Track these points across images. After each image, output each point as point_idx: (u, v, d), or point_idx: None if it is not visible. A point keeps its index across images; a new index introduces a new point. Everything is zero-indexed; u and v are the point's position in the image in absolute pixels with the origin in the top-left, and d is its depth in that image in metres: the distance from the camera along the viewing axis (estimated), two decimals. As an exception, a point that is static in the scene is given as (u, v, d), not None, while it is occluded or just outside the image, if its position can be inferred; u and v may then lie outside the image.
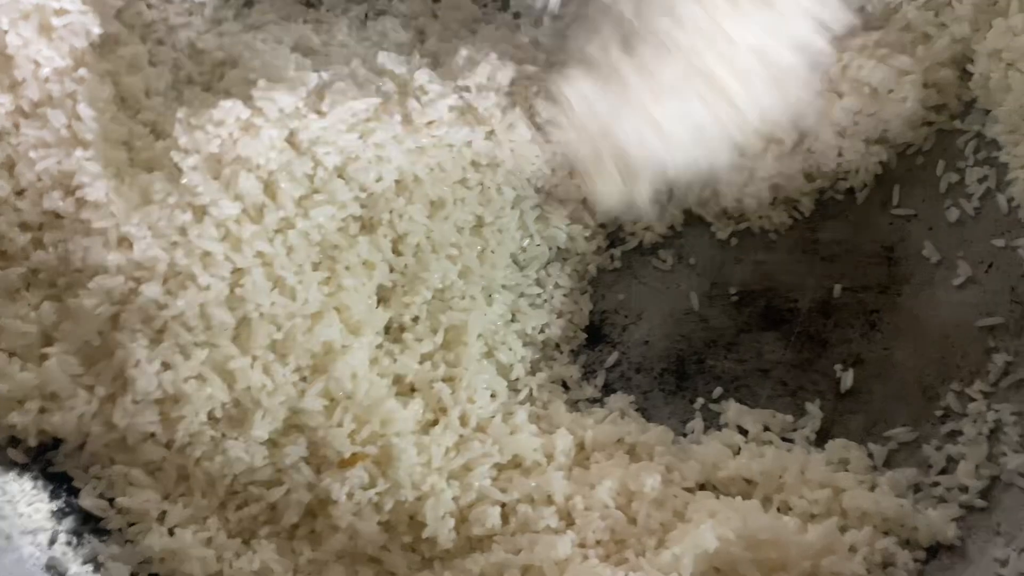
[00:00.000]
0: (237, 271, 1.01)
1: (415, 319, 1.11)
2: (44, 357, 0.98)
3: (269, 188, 1.04)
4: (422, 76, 1.11)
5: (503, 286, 1.17)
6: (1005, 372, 1.01)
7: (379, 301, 1.10)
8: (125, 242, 0.98)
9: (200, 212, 1.00)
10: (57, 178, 1.00)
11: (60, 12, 1.04)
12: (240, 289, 1.00)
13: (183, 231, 0.99)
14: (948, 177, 1.16)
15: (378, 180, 1.08)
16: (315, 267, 1.05)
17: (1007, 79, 1.10)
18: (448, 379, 1.08)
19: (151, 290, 0.97)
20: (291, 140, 1.05)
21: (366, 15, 1.30)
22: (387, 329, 1.11)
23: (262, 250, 1.01)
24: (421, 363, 1.09)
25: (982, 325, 1.05)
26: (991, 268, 1.07)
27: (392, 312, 1.10)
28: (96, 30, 1.07)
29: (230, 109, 1.03)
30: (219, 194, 1.01)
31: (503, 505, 1.00)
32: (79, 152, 1.00)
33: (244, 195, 1.02)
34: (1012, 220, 1.08)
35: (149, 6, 1.17)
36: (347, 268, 1.07)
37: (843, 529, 0.95)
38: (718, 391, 1.15)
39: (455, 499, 0.99)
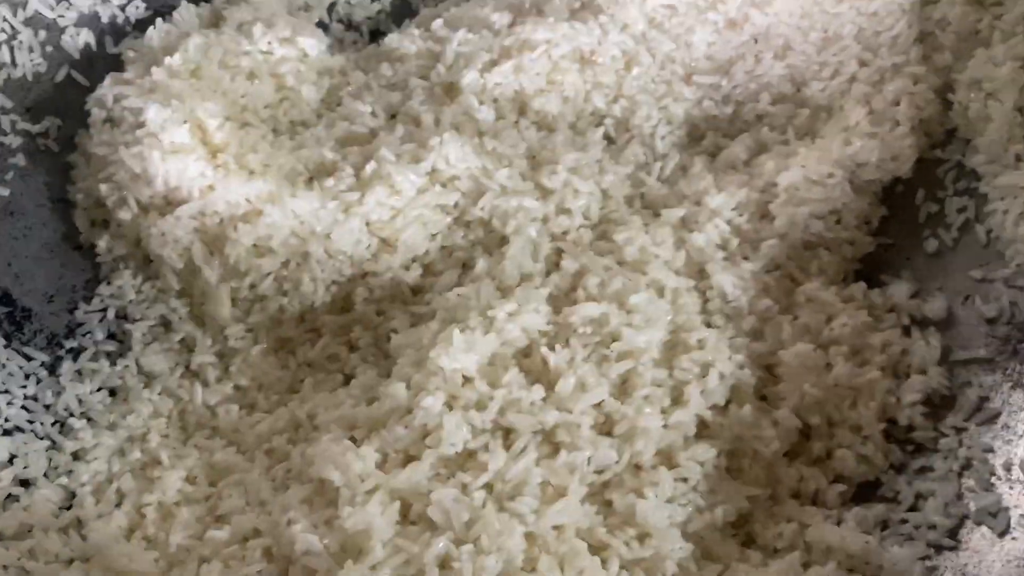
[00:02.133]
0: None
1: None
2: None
3: None
4: None
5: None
6: (978, 407, 0.98)
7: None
8: None
9: None
10: None
11: None
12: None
13: None
14: (927, 207, 1.14)
15: None
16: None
17: (987, 109, 1.08)
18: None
19: None
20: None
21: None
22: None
23: None
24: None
25: (956, 359, 1.02)
26: (968, 300, 1.05)
27: None
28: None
29: None
30: None
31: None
32: None
33: None
34: (991, 252, 1.05)
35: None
36: None
37: (806, 565, 0.92)
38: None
39: None
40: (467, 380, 0.97)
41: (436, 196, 1.15)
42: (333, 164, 1.18)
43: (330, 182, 1.16)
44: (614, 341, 1.01)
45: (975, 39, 1.13)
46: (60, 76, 1.24)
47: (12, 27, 1.20)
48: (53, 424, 1.06)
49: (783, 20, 1.19)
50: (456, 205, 1.16)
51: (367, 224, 1.14)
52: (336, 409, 1.04)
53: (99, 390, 1.11)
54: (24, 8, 1.21)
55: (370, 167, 1.15)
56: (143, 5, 1.30)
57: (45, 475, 1.02)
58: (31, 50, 1.22)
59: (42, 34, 1.23)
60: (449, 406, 0.96)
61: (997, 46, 1.10)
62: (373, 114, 1.20)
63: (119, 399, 1.12)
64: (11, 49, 1.20)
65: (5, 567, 0.91)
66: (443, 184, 1.16)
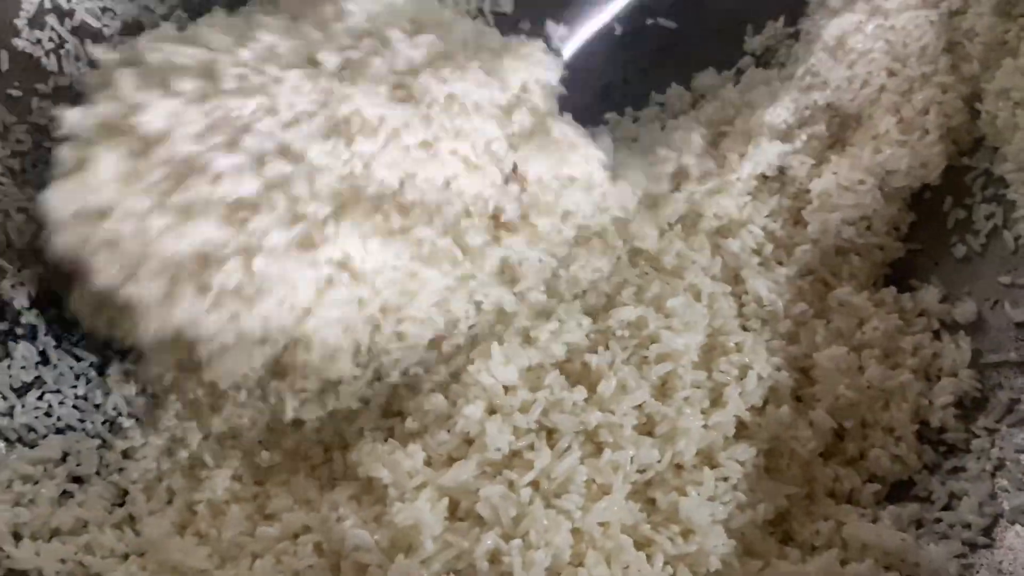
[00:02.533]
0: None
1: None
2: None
3: None
4: None
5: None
6: (1009, 409, 1.00)
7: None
8: None
9: None
10: None
11: None
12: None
13: None
14: (955, 214, 1.16)
15: None
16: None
17: (1015, 118, 1.10)
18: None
19: None
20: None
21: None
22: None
23: None
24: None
25: (986, 362, 1.04)
26: (996, 305, 1.07)
27: None
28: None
29: None
30: None
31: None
32: None
33: None
34: (1019, 258, 1.07)
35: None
36: None
37: (844, 562, 0.94)
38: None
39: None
40: (508, 388, 1.00)
41: (348, 291, 1.00)
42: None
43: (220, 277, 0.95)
44: (653, 343, 1.03)
45: (1002, 49, 1.16)
46: (104, 84, 1.27)
47: (59, 36, 1.23)
48: (103, 423, 1.09)
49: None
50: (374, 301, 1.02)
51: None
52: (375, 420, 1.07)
53: (144, 391, 1.14)
54: (71, 18, 1.24)
55: (259, 263, 0.95)
56: (184, 15, 1.33)
57: (97, 472, 1.04)
58: (77, 59, 1.24)
59: (88, 43, 1.26)
60: (490, 412, 0.98)
61: (1024, 56, 1.12)
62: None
63: (161, 401, 1.14)
64: (58, 57, 1.23)
65: (63, 561, 0.93)
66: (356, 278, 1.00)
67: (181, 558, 0.94)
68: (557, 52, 1.16)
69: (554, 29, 1.17)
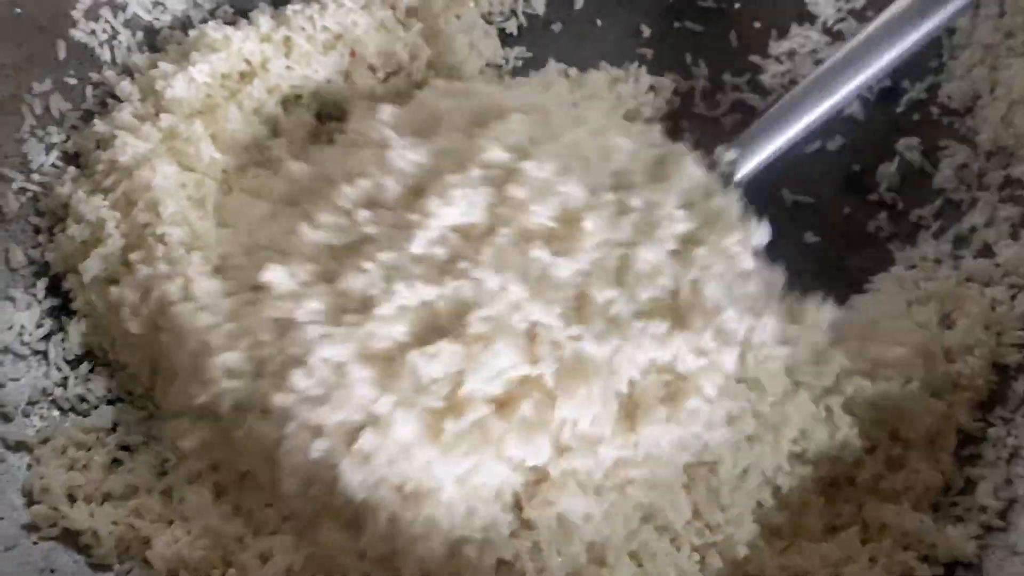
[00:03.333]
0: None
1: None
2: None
3: None
4: None
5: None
6: (1024, 400, 1.03)
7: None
8: None
9: None
10: None
11: None
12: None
13: None
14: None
15: None
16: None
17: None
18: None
19: None
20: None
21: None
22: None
23: None
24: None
25: (1004, 354, 1.08)
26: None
27: None
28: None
29: None
30: None
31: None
32: None
33: None
34: (1035, 252, 1.11)
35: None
36: None
37: (864, 541, 0.97)
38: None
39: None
40: None
41: None
42: None
43: None
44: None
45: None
46: (156, 75, 1.32)
47: (113, 28, 1.28)
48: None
49: None
50: None
51: None
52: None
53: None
54: (124, 11, 1.30)
55: None
56: (231, 10, 1.38)
57: (145, 442, 1.08)
58: (129, 50, 1.29)
59: (139, 35, 1.31)
60: None
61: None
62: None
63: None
64: (111, 48, 1.28)
65: (115, 523, 0.97)
66: None
67: (219, 525, 0.98)
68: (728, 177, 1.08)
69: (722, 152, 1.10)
